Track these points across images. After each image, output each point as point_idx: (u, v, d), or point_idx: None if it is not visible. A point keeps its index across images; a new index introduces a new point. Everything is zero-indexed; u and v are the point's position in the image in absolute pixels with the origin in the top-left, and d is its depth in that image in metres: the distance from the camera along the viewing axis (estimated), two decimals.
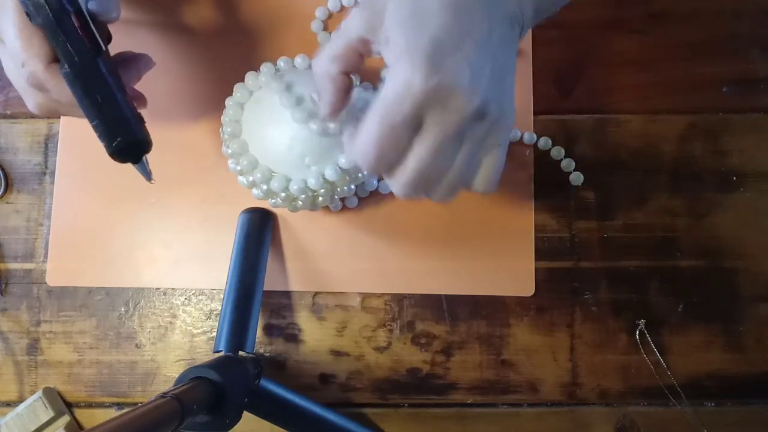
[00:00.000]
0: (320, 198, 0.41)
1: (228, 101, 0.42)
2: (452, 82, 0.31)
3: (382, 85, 0.32)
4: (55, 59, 0.36)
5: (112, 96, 0.36)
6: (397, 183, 0.34)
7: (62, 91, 0.36)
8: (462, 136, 0.33)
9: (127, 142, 0.36)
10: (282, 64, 0.43)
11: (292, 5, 0.51)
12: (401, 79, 0.31)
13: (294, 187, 0.39)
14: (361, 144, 0.32)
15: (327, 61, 0.35)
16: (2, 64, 0.39)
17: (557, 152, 0.50)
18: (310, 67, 0.42)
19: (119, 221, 0.50)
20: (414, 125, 0.32)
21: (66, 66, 0.34)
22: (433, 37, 0.31)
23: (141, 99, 0.41)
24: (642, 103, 0.50)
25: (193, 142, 0.50)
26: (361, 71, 0.37)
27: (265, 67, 0.42)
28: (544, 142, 0.50)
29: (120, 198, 0.50)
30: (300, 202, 0.41)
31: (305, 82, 0.40)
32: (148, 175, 0.39)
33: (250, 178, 0.41)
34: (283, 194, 0.40)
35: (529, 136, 0.50)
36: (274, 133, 0.39)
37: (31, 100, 0.39)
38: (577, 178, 0.49)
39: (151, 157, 0.50)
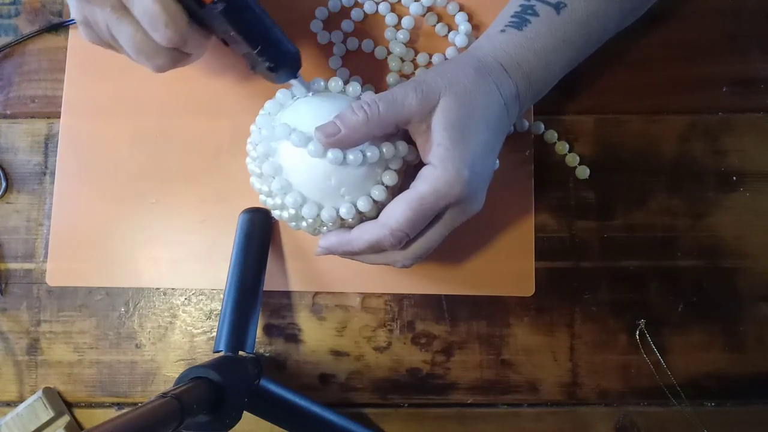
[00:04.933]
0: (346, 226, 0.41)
1: (259, 120, 0.41)
2: (477, 192, 0.38)
3: (416, 179, 0.37)
4: (189, 15, 0.36)
5: (262, 19, 0.37)
6: (409, 254, 0.39)
7: (200, 43, 0.38)
8: None
9: (289, 59, 0.38)
10: (296, 90, 0.41)
11: (292, 5, 0.51)
12: (443, 181, 0.36)
13: (325, 215, 0.39)
14: (394, 224, 0.37)
15: (371, 124, 0.37)
16: (122, 36, 0.37)
17: (562, 146, 0.50)
18: (326, 88, 0.41)
19: (119, 221, 0.50)
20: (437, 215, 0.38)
21: (219, 3, 0.35)
22: (475, 153, 0.37)
23: None
24: (642, 103, 0.50)
25: (193, 142, 0.50)
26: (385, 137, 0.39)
27: (281, 94, 0.41)
28: (550, 135, 0.50)
29: (120, 198, 0.50)
30: (325, 228, 0.41)
31: (306, 115, 0.39)
32: (307, 87, 0.40)
33: (278, 201, 0.40)
34: (311, 220, 0.40)
35: (537, 126, 0.50)
36: (311, 160, 0.38)
37: (159, 62, 0.38)
38: (582, 171, 0.49)
39: (153, 154, 0.50)
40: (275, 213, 0.41)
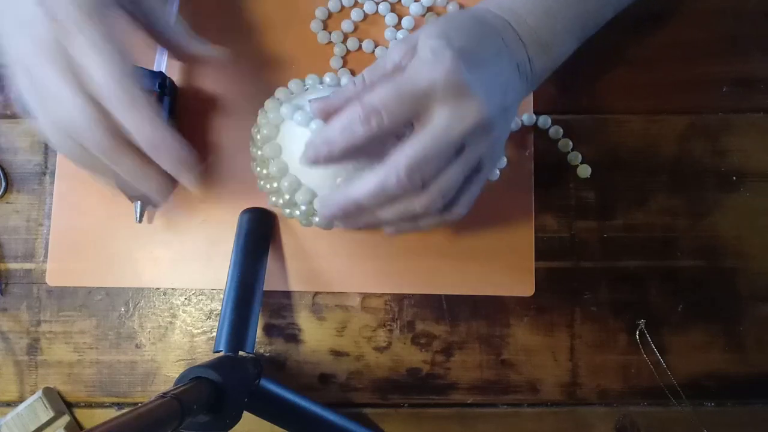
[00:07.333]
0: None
1: (267, 103, 0.42)
2: (468, 85, 0.33)
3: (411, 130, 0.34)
4: None
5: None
6: (430, 196, 0.35)
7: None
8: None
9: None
10: (309, 82, 0.43)
11: (292, 5, 0.51)
12: (440, 71, 0.32)
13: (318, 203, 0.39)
14: (400, 158, 0.33)
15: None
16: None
17: (565, 144, 0.50)
18: (339, 84, 0.42)
19: (119, 221, 0.50)
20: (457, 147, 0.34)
21: None
22: (460, 49, 0.33)
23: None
24: (642, 103, 0.50)
25: (193, 142, 0.50)
26: None
27: (293, 84, 0.42)
28: (555, 131, 0.50)
29: (120, 198, 0.50)
30: (317, 218, 0.41)
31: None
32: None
33: (275, 185, 0.40)
34: (303, 207, 0.40)
35: (543, 120, 0.49)
36: None
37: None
38: (584, 170, 0.49)
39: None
40: (271, 199, 0.42)
